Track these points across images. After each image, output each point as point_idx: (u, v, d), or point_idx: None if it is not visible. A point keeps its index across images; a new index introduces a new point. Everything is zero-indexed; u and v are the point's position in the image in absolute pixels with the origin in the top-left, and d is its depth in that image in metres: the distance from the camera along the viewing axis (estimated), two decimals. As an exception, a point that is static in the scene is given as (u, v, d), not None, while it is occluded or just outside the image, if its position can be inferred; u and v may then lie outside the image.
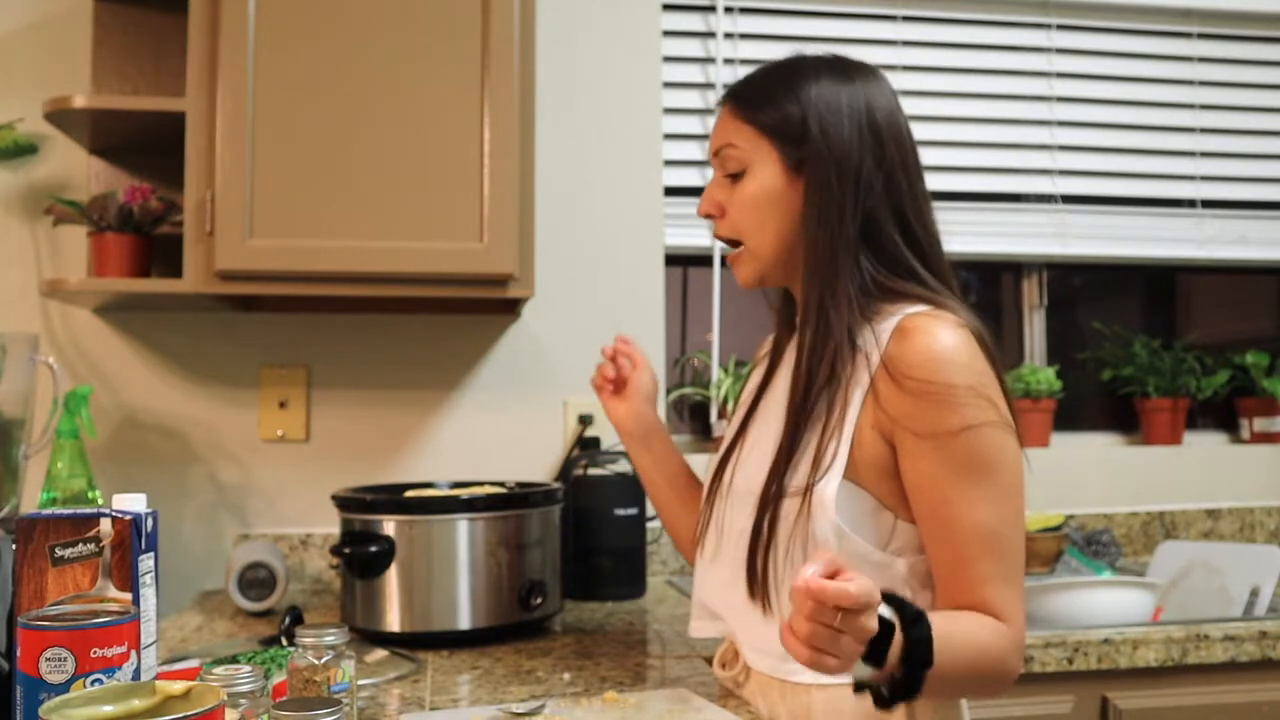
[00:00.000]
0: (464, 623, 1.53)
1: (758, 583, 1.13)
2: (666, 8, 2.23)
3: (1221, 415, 2.55)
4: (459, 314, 2.09)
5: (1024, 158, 2.39)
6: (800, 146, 1.16)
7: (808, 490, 1.10)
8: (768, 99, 1.18)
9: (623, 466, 1.95)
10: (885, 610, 0.93)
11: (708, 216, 1.24)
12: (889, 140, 1.17)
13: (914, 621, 0.95)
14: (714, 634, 1.27)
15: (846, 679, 0.98)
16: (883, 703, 0.98)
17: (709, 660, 1.43)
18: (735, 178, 1.20)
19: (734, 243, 1.22)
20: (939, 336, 1.08)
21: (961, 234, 2.33)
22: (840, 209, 1.14)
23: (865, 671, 0.94)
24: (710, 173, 1.25)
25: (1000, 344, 2.49)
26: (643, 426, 1.44)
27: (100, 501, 1.70)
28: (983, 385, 1.08)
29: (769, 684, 1.18)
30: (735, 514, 1.20)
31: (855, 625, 0.88)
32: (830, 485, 1.09)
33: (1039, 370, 2.36)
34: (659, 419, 1.46)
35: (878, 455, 1.10)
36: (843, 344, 1.12)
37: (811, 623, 0.87)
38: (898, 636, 0.94)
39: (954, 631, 1.01)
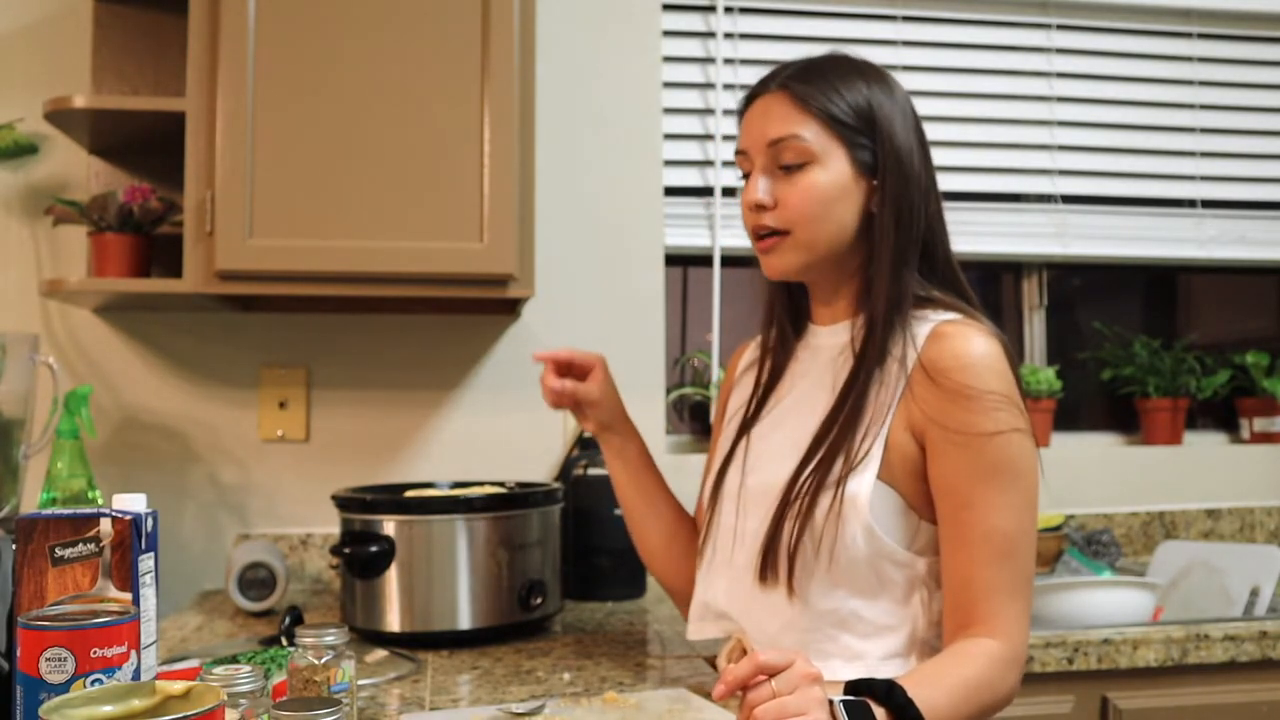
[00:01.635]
0: (464, 623, 1.53)
1: (777, 574, 1.14)
2: (666, 8, 2.23)
3: (1221, 415, 2.55)
4: (459, 314, 2.09)
5: (1024, 158, 2.39)
6: (869, 146, 1.17)
7: (840, 485, 1.11)
8: (834, 92, 1.17)
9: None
10: (849, 696, 0.95)
11: (761, 207, 1.18)
12: (927, 150, 1.21)
13: (888, 693, 0.97)
14: (716, 634, 1.27)
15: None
16: None
17: (709, 660, 1.43)
18: (791, 169, 1.17)
19: (773, 233, 1.18)
20: (976, 343, 1.12)
21: (961, 234, 2.30)
22: (912, 213, 1.17)
23: None
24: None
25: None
26: (610, 425, 1.39)
27: (100, 501, 1.70)
28: (1014, 394, 1.12)
29: None
30: (749, 516, 1.20)
31: (789, 680, 0.91)
32: (865, 483, 1.11)
33: (1039, 370, 2.36)
34: (628, 424, 1.41)
35: (909, 456, 1.12)
36: (893, 339, 1.15)
37: (751, 708, 0.91)
38: (879, 712, 0.95)
39: (941, 678, 1.03)
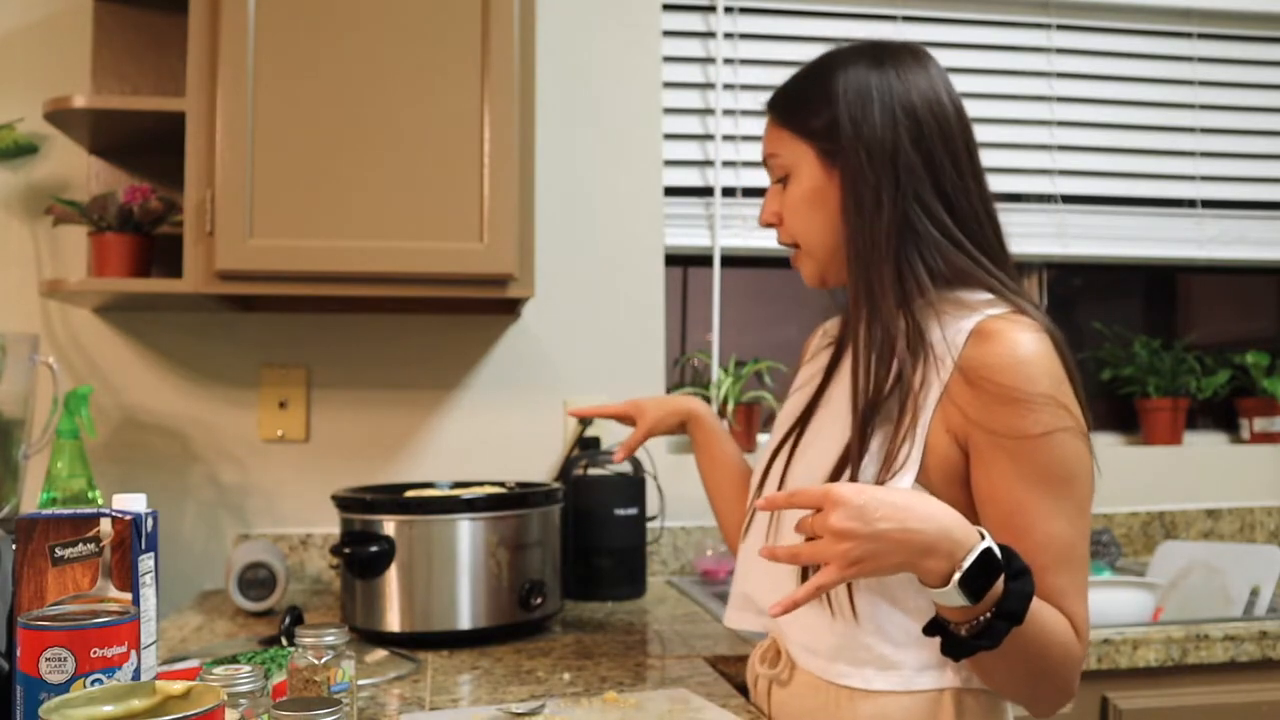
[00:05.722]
0: (464, 623, 1.53)
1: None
2: (666, 8, 2.23)
3: (1221, 415, 2.55)
4: (459, 314, 2.09)
5: (1024, 158, 2.39)
6: (833, 140, 1.15)
7: None
8: (801, 102, 1.19)
9: (623, 466, 1.95)
10: (994, 549, 0.94)
11: (769, 226, 1.24)
12: (927, 120, 1.14)
13: (1020, 574, 0.95)
14: (754, 628, 1.25)
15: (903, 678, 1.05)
16: (953, 648, 0.97)
17: (709, 660, 1.43)
18: (784, 183, 1.21)
19: (795, 245, 1.23)
20: (1020, 341, 1.06)
21: (961, 234, 2.33)
22: (876, 194, 1.12)
23: (957, 599, 0.93)
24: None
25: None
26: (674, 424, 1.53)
27: (100, 501, 1.70)
28: (1062, 392, 1.06)
29: (815, 685, 1.15)
30: (791, 512, 1.18)
31: (828, 527, 0.93)
32: (902, 487, 1.07)
33: (1039, 370, 2.35)
34: (688, 411, 1.52)
35: (949, 461, 1.08)
36: (899, 333, 1.10)
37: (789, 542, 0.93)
38: (999, 583, 0.93)
39: (1044, 610, 1.01)
